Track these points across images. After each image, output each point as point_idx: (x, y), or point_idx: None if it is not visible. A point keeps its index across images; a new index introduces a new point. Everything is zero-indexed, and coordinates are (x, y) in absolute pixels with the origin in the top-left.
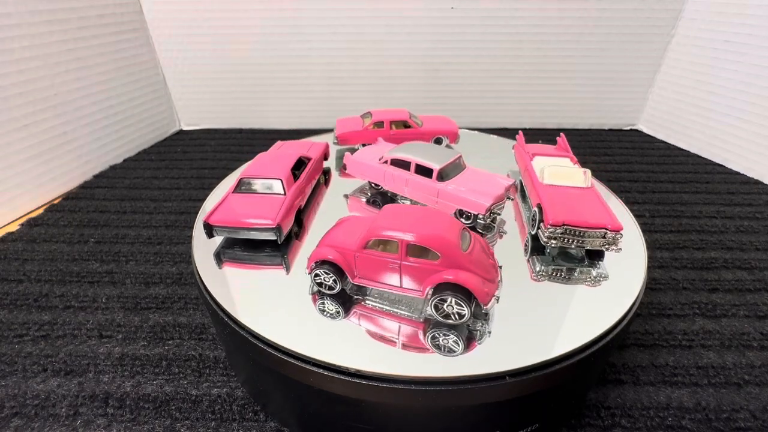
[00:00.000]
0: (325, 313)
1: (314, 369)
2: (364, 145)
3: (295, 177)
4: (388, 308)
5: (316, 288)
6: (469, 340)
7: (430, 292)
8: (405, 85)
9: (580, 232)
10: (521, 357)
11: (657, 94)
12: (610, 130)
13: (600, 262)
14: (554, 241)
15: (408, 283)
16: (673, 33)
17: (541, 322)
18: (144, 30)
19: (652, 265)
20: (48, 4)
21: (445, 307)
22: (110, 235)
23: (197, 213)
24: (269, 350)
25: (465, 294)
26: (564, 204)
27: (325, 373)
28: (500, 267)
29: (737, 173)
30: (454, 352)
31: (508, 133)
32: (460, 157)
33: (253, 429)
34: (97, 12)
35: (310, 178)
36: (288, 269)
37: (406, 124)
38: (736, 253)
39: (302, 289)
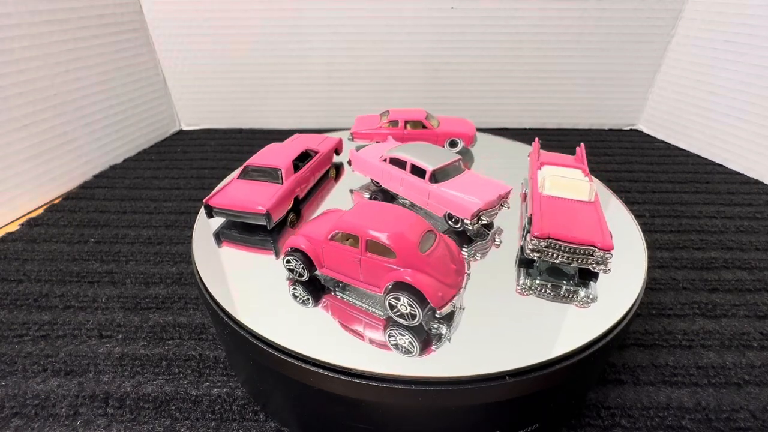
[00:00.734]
0: (297, 299)
1: (314, 369)
2: (377, 142)
3: (297, 168)
4: (355, 302)
5: (288, 274)
6: (428, 342)
7: (386, 290)
8: (405, 85)
9: (565, 248)
10: (521, 357)
11: (657, 94)
12: (610, 130)
13: (593, 283)
14: (537, 254)
15: (367, 278)
16: (673, 33)
17: (541, 323)
18: (144, 30)
19: (652, 265)
20: (48, 4)
21: (399, 306)
22: (110, 235)
23: (197, 213)
24: (269, 350)
25: (417, 295)
26: (555, 216)
27: (325, 373)
28: (468, 274)
29: (737, 173)
30: (411, 353)
31: (509, 133)
32: (459, 160)
33: (253, 429)
34: (97, 12)
35: (314, 171)
36: (277, 255)
37: (421, 125)
38: (736, 253)
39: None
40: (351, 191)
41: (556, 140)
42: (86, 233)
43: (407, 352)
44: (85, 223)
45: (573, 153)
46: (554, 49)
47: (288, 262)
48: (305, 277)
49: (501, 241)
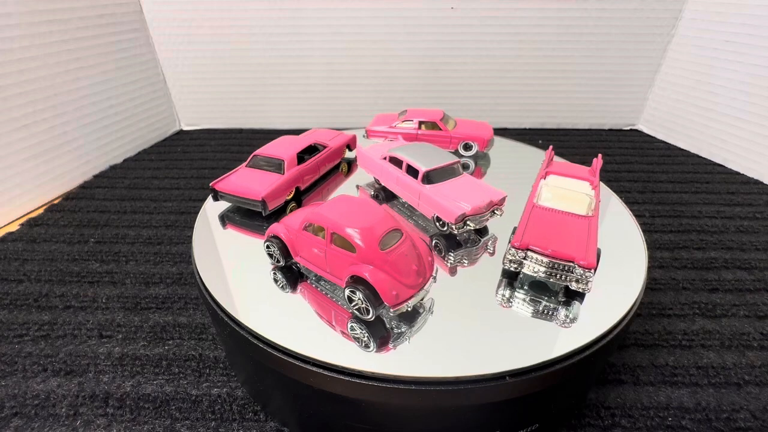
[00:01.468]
0: (278, 282)
1: (314, 369)
2: (390, 140)
3: (302, 160)
4: (327, 293)
5: (269, 259)
6: (387, 340)
7: (347, 283)
8: (405, 85)
9: (544, 261)
10: (521, 357)
11: (657, 94)
12: (610, 130)
13: (576, 302)
14: (515, 265)
15: (332, 269)
16: (673, 33)
17: (541, 323)
18: (144, 30)
19: (652, 265)
20: (48, 4)
21: (356, 299)
22: (110, 235)
23: (197, 213)
24: (269, 350)
25: (372, 291)
26: (540, 228)
27: (325, 373)
28: (433, 277)
29: (737, 173)
30: (369, 348)
31: (508, 133)
32: (457, 163)
33: (253, 429)
34: (97, 12)
35: (319, 164)
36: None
37: (435, 126)
38: (736, 253)
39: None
40: (357, 187)
41: (557, 140)
42: (86, 233)
43: (366, 346)
44: (85, 223)
45: (573, 153)
46: (554, 49)
47: (268, 247)
48: (282, 263)
49: (494, 250)
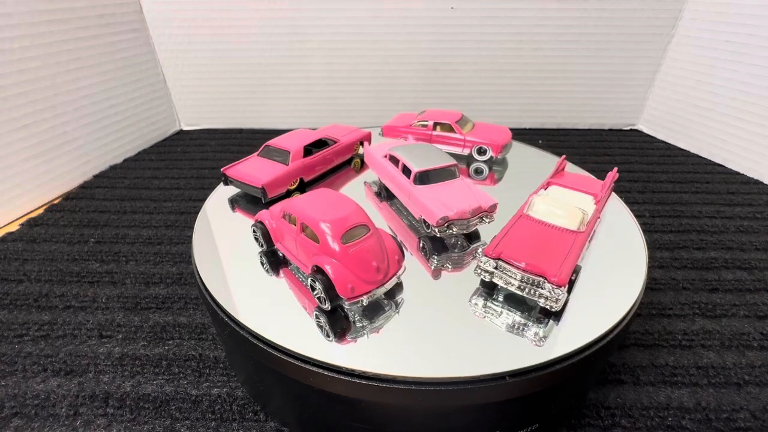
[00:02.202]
0: (263, 266)
1: (314, 369)
2: (404, 140)
3: (308, 153)
4: (303, 280)
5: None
6: (345, 332)
7: (311, 271)
8: (405, 85)
9: (514, 273)
10: (521, 357)
11: (657, 94)
12: (610, 130)
13: (552, 321)
14: (486, 274)
15: (302, 257)
16: (673, 33)
17: (541, 323)
18: (144, 30)
19: (652, 265)
20: (48, 4)
21: (317, 288)
22: (110, 235)
23: (197, 213)
24: (269, 350)
25: (328, 282)
26: (518, 239)
27: (325, 373)
28: (398, 277)
29: (737, 173)
30: (329, 338)
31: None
32: (454, 166)
33: (253, 429)
34: (97, 12)
35: (327, 158)
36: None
37: (450, 128)
38: (736, 253)
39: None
40: (365, 183)
41: (556, 140)
42: (86, 233)
43: (327, 335)
44: (85, 223)
45: (573, 153)
46: (554, 49)
47: (254, 232)
48: (265, 248)
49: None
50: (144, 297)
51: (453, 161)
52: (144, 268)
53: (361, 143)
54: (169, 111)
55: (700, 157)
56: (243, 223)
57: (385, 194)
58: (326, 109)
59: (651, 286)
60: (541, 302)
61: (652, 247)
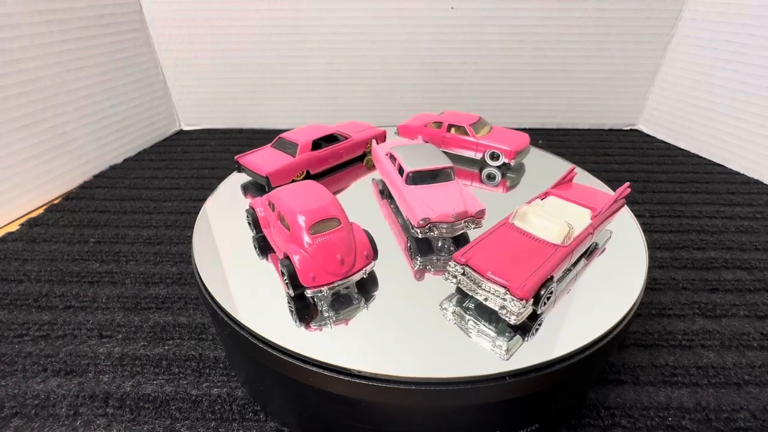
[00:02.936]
0: (256, 249)
1: (314, 369)
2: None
3: (317, 147)
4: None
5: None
6: (310, 320)
7: (282, 257)
8: (405, 85)
9: (478, 281)
10: (521, 357)
11: (657, 94)
12: (610, 130)
13: (517, 336)
14: (453, 279)
15: (278, 243)
16: (673, 33)
17: (541, 323)
18: (144, 30)
19: (652, 265)
20: (48, 4)
21: (285, 274)
22: (110, 235)
23: (197, 213)
24: (269, 350)
25: (291, 269)
26: (493, 247)
27: (325, 373)
28: (364, 271)
29: (737, 173)
30: (297, 324)
31: None
32: (450, 168)
33: (253, 429)
34: (97, 12)
35: (337, 153)
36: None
37: (464, 130)
38: (736, 253)
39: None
40: (372, 180)
41: (557, 140)
42: (86, 233)
43: (295, 321)
44: (85, 223)
45: (573, 153)
46: (554, 49)
47: (247, 217)
48: (255, 234)
49: None
50: (144, 297)
51: (449, 164)
52: (144, 268)
53: (376, 141)
54: (169, 111)
55: (700, 157)
56: (243, 223)
57: (387, 192)
58: (326, 109)
59: (651, 286)
60: (500, 313)
61: (652, 247)
